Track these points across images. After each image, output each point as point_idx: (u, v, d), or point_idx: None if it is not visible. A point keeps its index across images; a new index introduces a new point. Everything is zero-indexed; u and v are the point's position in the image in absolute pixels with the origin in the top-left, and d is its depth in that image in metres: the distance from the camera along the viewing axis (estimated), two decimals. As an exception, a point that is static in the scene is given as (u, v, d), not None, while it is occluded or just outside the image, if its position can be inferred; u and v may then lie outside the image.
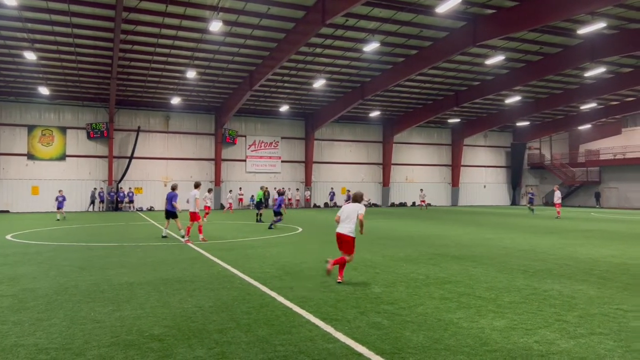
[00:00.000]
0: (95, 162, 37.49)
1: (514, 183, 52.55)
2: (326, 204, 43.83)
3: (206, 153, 40.77)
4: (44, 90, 32.88)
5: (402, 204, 47.35)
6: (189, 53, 27.74)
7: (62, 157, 36.57)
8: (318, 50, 27.63)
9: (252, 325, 5.81)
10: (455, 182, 50.16)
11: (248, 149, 42.36)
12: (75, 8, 21.50)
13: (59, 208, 25.51)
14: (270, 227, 19.39)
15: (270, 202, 39.22)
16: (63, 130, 36.62)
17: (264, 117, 42.93)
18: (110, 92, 32.52)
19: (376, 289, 7.88)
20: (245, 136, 42.28)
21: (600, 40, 26.08)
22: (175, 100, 36.80)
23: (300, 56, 28.36)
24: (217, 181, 40.31)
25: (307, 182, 43.54)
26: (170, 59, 28.69)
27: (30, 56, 26.04)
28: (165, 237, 15.80)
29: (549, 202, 46.59)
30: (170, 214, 15.66)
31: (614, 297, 7.25)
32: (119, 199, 37.07)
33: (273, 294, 7.52)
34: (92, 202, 36.37)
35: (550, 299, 7.13)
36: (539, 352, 4.85)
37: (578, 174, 49.65)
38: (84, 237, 16.22)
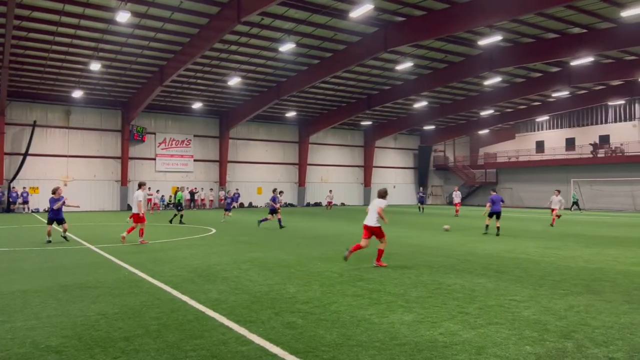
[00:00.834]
0: (-17, 159, 33.88)
1: (421, 183, 55.41)
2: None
3: (112, 151, 38.45)
4: None
5: (318, 204, 48.01)
6: (93, 44, 25.95)
7: (-58, 152, 32.64)
8: (233, 47, 27.17)
9: (161, 331, 5.57)
10: (367, 182, 51.84)
11: (158, 147, 40.59)
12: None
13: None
14: (259, 225, 20.23)
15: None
16: (-57, 122, 32.70)
17: (175, 114, 41.37)
18: (1, 82, 29.51)
19: (291, 288, 7.90)
20: (155, 133, 40.48)
21: (498, 52, 28.32)
22: (78, 94, 34.32)
23: (214, 53, 27.71)
24: (124, 181, 38.19)
25: (222, 182, 42.66)
26: (72, 50, 26.66)
27: None
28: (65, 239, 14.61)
29: (451, 202, 49.60)
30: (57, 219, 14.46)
31: (508, 289, 7.88)
32: (10, 200, 33.80)
33: (184, 297, 7.26)
34: (-22, 203, 32.85)
35: (454, 293, 7.59)
36: (444, 343, 5.14)
37: (478, 175, 53.47)
38: (-32, 242, 14.60)
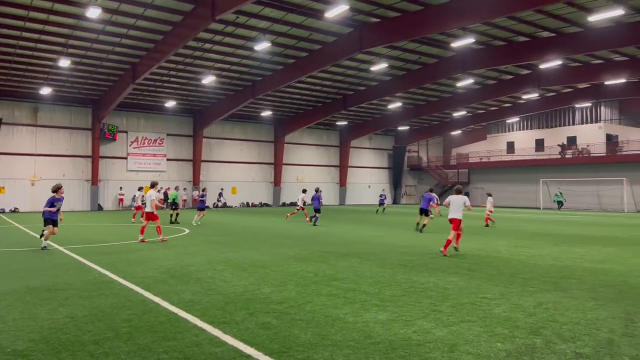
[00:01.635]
0: (-55, 157, 32.66)
1: (395, 183, 56.02)
2: (215, 205, 42.08)
3: (82, 149, 37.54)
4: None
5: (293, 204, 47.87)
6: (62, 40, 25.26)
7: None
8: (207, 45, 26.86)
9: (133, 333, 5.46)
10: (342, 182, 52.04)
11: (130, 145, 39.83)
12: None
13: None
14: (314, 224, 21.39)
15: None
16: None
17: (148, 113, 40.66)
18: (-35, 78, 28.54)
19: (266, 289, 7.86)
20: (126, 132, 39.70)
21: (470, 54, 28.81)
22: (46, 91, 33.40)
23: (188, 51, 27.34)
24: (95, 180, 37.35)
25: (195, 182, 42.12)
26: (40, 45, 25.89)
27: None
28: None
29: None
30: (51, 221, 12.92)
31: (480, 287, 8.02)
32: (-26, 200, 32.67)
33: (157, 299, 7.14)
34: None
35: (427, 291, 7.68)
36: (417, 341, 5.20)
37: (450, 175, 54.26)
38: None
